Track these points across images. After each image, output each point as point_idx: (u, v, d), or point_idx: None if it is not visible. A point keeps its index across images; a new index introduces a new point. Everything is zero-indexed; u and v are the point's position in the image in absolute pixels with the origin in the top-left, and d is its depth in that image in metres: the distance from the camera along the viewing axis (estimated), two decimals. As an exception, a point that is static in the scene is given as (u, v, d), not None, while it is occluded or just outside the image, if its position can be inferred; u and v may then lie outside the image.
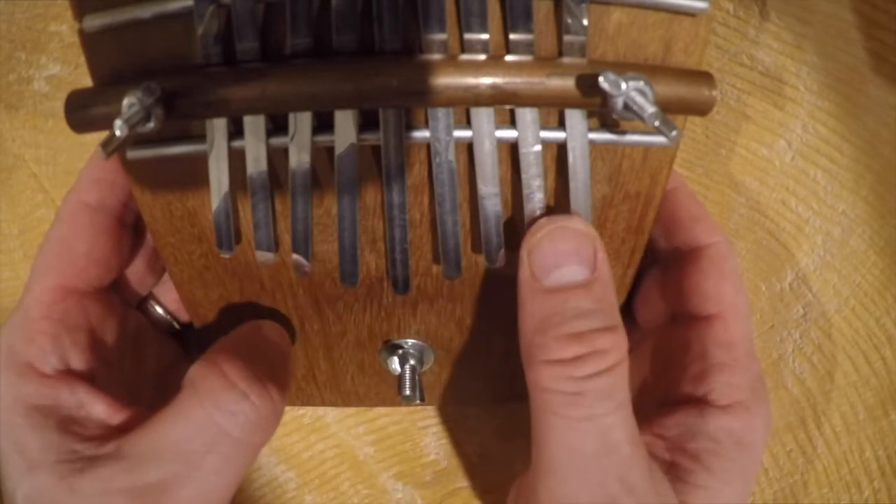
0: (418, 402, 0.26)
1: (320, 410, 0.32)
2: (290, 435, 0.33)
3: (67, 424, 0.22)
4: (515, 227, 0.22)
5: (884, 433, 0.30)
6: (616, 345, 0.21)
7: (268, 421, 0.22)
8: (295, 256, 0.22)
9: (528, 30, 0.19)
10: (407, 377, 0.26)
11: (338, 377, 0.28)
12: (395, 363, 0.27)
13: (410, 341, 0.26)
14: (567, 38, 0.19)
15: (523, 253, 0.21)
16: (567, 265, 0.21)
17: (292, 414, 0.32)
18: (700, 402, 0.23)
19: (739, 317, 0.24)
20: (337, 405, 0.30)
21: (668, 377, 0.25)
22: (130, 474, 0.21)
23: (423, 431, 0.33)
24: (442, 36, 0.19)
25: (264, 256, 0.22)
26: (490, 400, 0.30)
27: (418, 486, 0.33)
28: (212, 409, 0.21)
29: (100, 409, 0.22)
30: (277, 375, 0.23)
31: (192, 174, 0.21)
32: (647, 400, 0.25)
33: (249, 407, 0.22)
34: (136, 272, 0.26)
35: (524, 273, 0.21)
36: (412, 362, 0.26)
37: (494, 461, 0.33)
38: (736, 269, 0.24)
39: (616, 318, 0.21)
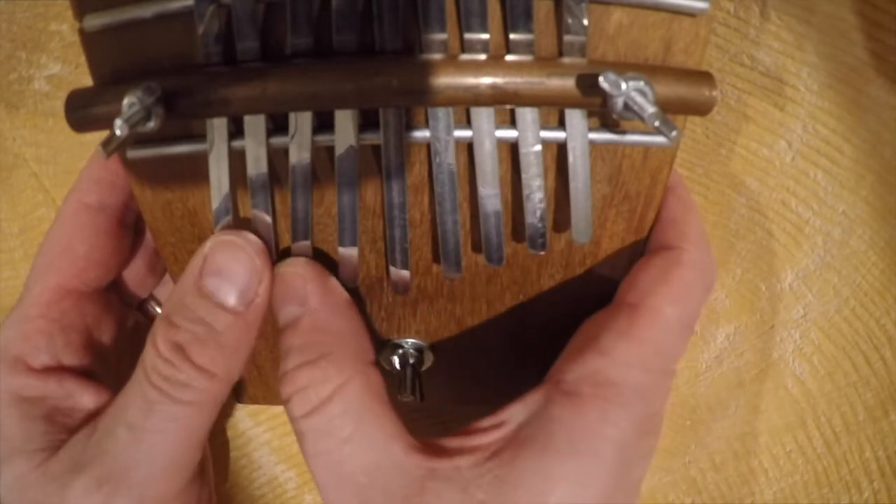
0: (418, 401, 0.26)
1: (320, 410, 0.32)
2: (290, 434, 0.33)
3: (54, 415, 0.23)
4: (516, 227, 0.22)
5: (884, 434, 0.30)
6: (316, 379, 0.20)
7: (199, 382, 0.21)
8: (395, 271, 0.22)
9: (529, 30, 0.19)
10: (407, 377, 0.26)
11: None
12: (395, 363, 0.27)
13: (410, 341, 0.26)
14: (567, 38, 0.19)
15: None
16: (283, 306, 0.22)
17: (292, 413, 0.32)
18: (552, 383, 0.21)
19: (657, 321, 0.21)
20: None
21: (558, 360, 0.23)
22: (86, 450, 0.22)
23: (424, 431, 0.33)
24: (442, 36, 0.19)
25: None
26: (490, 400, 0.30)
27: (418, 485, 0.33)
28: (148, 370, 0.21)
29: (87, 398, 0.23)
30: (207, 346, 0.22)
31: (193, 174, 0.21)
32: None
33: (173, 370, 0.21)
34: (137, 273, 0.26)
35: None
36: (412, 362, 0.26)
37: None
38: (689, 281, 0.21)
39: (323, 347, 0.21)
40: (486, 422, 0.21)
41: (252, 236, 0.21)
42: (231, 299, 0.21)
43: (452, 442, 0.21)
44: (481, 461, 0.20)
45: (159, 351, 0.21)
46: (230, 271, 0.21)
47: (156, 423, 0.21)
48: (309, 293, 0.22)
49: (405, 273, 0.22)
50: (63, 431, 0.22)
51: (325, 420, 0.20)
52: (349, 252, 0.22)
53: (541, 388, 0.21)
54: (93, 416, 0.23)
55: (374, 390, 0.21)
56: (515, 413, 0.21)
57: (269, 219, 0.21)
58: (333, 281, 0.22)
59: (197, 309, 0.21)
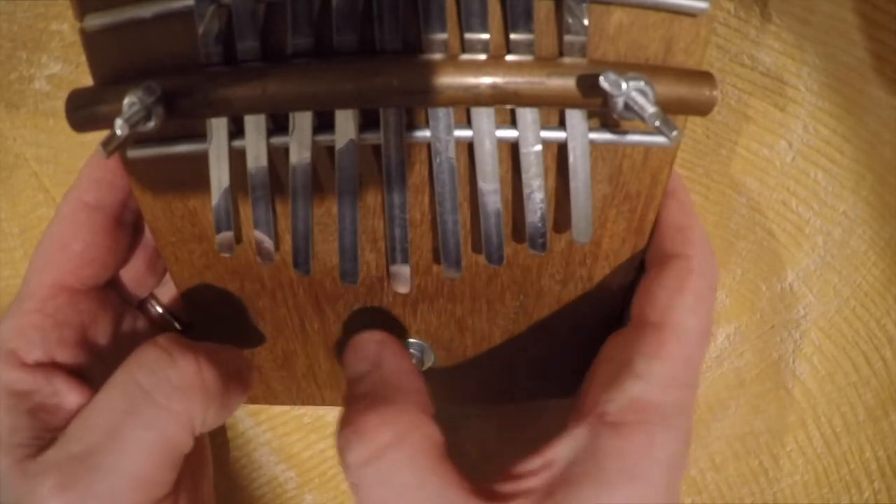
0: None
1: (321, 410, 0.32)
2: (290, 434, 0.33)
3: (38, 411, 0.22)
4: (516, 227, 0.22)
5: (884, 434, 0.30)
6: (387, 422, 0.20)
7: (191, 388, 0.21)
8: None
9: (529, 30, 0.19)
10: (407, 377, 0.26)
11: (338, 376, 0.28)
12: (395, 363, 0.27)
13: (410, 341, 0.26)
14: (567, 37, 0.19)
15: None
16: (355, 365, 0.23)
17: (292, 413, 0.32)
18: (596, 416, 0.21)
19: (683, 336, 0.21)
20: (337, 404, 0.30)
21: (587, 386, 0.23)
22: (60, 449, 0.21)
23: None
24: (442, 36, 0.19)
25: (265, 256, 0.22)
26: (490, 400, 0.30)
27: (418, 485, 0.33)
28: (134, 367, 0.21)
29: (73, 398, 0.23)
30: (215, 353, 0.23)
31: (193, 173, 0.21)
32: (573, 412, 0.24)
33: (168, 363, 0.21)
34: (137, 272, 0.26)
35: None
36: (412, 362, 0.26)
37: (494, 461, 0.33)
38: (702, 289, 0.22)
39: (393, 397, 0.21)
40: (534, 463, 0.21)
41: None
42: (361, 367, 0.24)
43: (505, 487, 0.21)
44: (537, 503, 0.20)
45: (162, 345, 0.21)
46: None
47: (134, 429, 0.21)
48: (382, 355, 0.23)
49: (405, 273, 0.22)
50: (44, 429, 0.22)
51: (384, 467, 0.20)
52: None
53: (583, 422, 0.21)
54: (75, 416, 0.23)
55: (435, 440, 0.21)
56: (562, 451, 0.21)
57: (269, 219, 0.21)
58: (405, 351, 0.24)
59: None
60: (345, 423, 0.21)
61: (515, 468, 0.21)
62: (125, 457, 0.21)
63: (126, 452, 0.21)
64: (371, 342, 0.24)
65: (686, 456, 0.22)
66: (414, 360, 0.26)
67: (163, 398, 0.21)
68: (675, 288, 0.21)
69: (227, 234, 0.22)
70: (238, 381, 0.24)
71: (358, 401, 0.22)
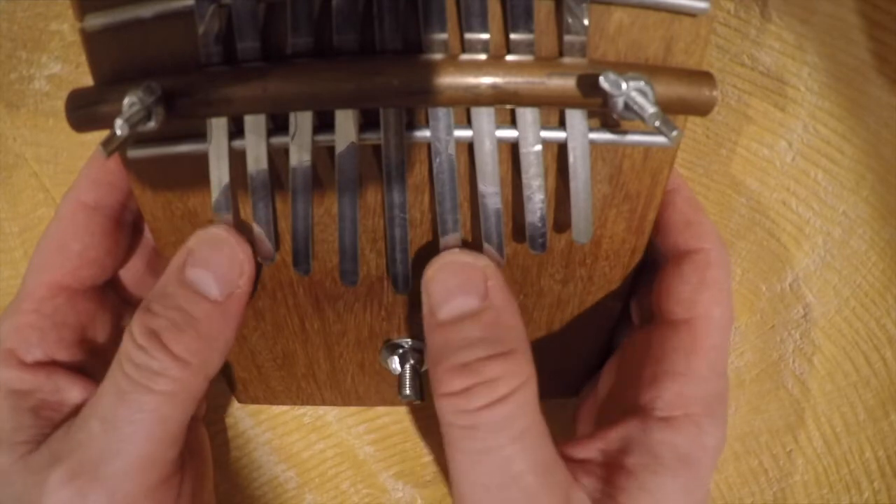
0: (418, 401, 0.26)
1: (320, 410, 0.32)
2: (290, 434, 0.33)
3: (41, 408, 0.23)
4: (516, 227, 0.22)
5: (884, 434, 0.30)
6: (509, 371, 0.20)
7: (173, 371, 0.21)
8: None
9: (529, 29, 0.19)
10: (407, 377, 0.26)
11: (338, 376, 0.28)
12: (395, 362, 0.27)
13: (410, 341, 0.26)
14: (568, 37, 0.19)
15: (423, 289, 0.22)
16: (456, 297, 0.21)
17: (292, 413, 0.32)
18: (644, 412, 0.22)
19: (711, 327, 0.22)
20: (337, 404, 0.30)
21: (625, 384, 0.24)
22: (64, 443, 0.21)
23: (424, 431, 0.33)
24: (443, 35, 0.19)
25: (265, 255, 0.22)
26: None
27: (418, 485, 0.33)
28: (121, 357, 0.21)
29: (76, 393, 0.23)
30: (185, 334, 0.22)
31: (193, 173, 0.21)
32: (610, 408, 0.25)
33: (147, 357, 0.21)
34: (136, 272, 0.26)
35: (425, 309, 0.21)
36: (412, 362, 0.26)
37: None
38: (722, 279, 0.23)
39: (511, 343, 0.20)
40: (588, 449, 0.23)
41: (234, 231, 0.22)
42: (212, 290, 0.21)
43: (578, 450, 0.23)
44: (599, 480, 0.22)
45: (134, 337, 0.21)
46: (213, 262, 0.21)
47: (127, 414, 0.21)
48: (492, 289, 0.21)
49: (406, 272, 0.22)
50: (49, 426, 0.22)
51: (506, 412, 0.20)
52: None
53: (634, 418, 0.22)
54: (79, 410, 0.23)
55: (538, 392, 0.21)
56: (611, 443, 0.22)
57: (269, 218, 0.21)
58: (504, 279, 0.22)
59: (176, 297, 0.21)
60: (466, 370, 0.20)
61: (567, 451, 0.23)
62: (124, 441, 0.21)
63: (125, 436, 0.21)
64: (477, 270, 0.21)
65: (726, 439, 0.23)
66: (413, 360, 0.26)
67: (148, 382, 0.21)
68: (697, 282, 0.22)
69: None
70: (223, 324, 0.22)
71: (479, 345, 0.20)
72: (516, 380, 0.20)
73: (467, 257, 0.21)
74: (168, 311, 0.21)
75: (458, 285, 0.21)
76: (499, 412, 0.20)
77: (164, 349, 0.21)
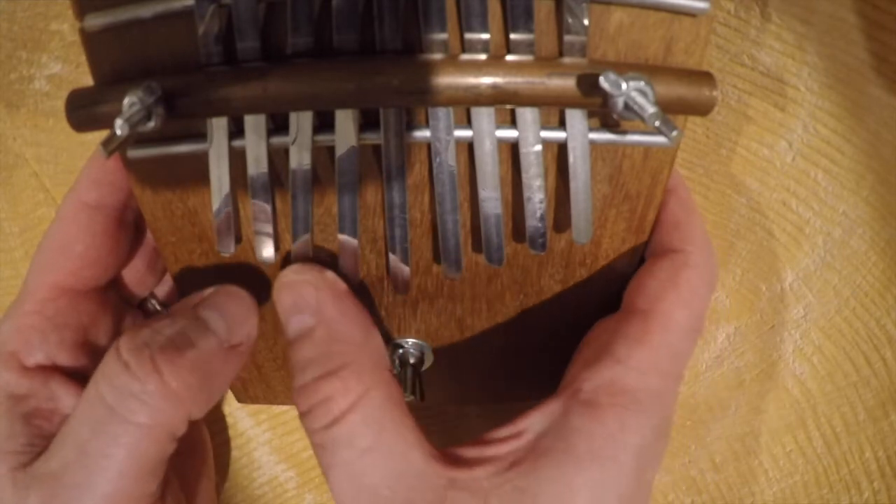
0: (418, 401, 0.26)
1: (320, 410, 0.32)
2: (290, 434, 0.33)
3: (32, 417, 0.22)
4: (516, 227, 0.22)
5: (884, 434, 0.30)
6: (339, 390, 0.20)
7: (155, 397, 0.20)
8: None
9: (529, 29, 0.19)
10: (407, 377, 0.26)
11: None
12: (395, 363, 0.27)
13: (410, 341, 0.26)
14: (568, 37, 0.19)
15: None
16: (292, 317, 0.21)
17: (292, 413, 0.32)
18: (570, 394, 0.21)
19: (669, 326, 0.21)
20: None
21: (569, 368, 0.23)
22: (44, 463, 0.21)
23: (423, 431, 0.33)
24: (443, 35, 0.19)
25: (265, 255, 0.22)
26: (490, 400, 0.30)
27: (418, 485, 0.33)
28: (99, 379, 0.20)
29: (69, 402, 0.23)
30: (182, 359, 0.21)
31: (193, 173, 0.21)
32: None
33: (128, 375, 0.20)
34: (137, 272, 0.26)
35: None
36: (412, 362, 0.26)
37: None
38: (696, 283, 0.21)
39: (342, 357, 0.20)
40: (504, 431, 0.21)
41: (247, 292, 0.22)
42: (222, 331, 0.21)
43: (470, 451, 0.21)
44: (500, 471, 0.20)
45: (119, 353, 0.20)
46: (227, 309, 0.22)
47: (100, 447, 0.20)
48: (321, 302, 0.21)
49: (405, 272, 0.22)
50: (38, 435, 0.22)
51: (345, 430, 0.20)
52: (349, 241, 0.21)
53: (558, 397, 0.21)
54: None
55: (394, 399, 0.21)
56: (533, 423, 0.21)
57: (269, 218, 0.21)
58: (341, 283, 0.22)
59: (183, 324, 0.21)
60: (303, 392, 0.20)
61: (484, 435, 0.21)
62: (97, 475, 0.20)
63: (98, 470, 0.20)
64: (307, 286, 0.21)
65: (662, 449, 0.21)
66: (413, 360, 0.26)
67: (126, 412, 0.20)
68: (666, 279, 0.21)
69: (228, 234, 0.22)
70: (221, 363, 0.22)
71: (312, 366, 0.20)
72: (350, 396, 0.20)
73: (294, 275, 0.21)
74: (169, 328, 0.20)
75: (292, 305, 0.21)
76: (340, 430, 0.20)
77: (154, 372, 0.20)
